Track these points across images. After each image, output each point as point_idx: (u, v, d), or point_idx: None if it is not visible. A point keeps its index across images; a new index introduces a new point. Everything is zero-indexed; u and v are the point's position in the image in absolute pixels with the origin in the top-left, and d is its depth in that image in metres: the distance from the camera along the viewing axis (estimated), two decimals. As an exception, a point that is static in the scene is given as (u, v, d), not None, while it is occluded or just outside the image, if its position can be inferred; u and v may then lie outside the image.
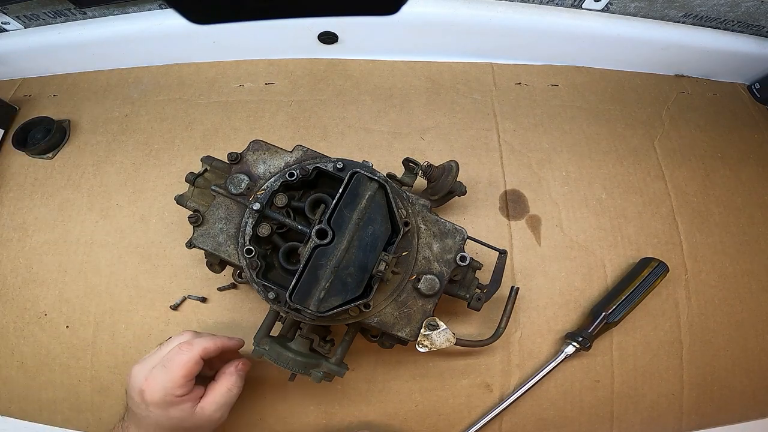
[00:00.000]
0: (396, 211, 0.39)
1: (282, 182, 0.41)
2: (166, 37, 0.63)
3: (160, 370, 0.39)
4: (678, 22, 0.63)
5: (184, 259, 0.55)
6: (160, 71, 0.67)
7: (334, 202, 0.38)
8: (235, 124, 0.62)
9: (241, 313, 0.53)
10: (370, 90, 0.65)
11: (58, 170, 0.61)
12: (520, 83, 0.67)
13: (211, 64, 0.68)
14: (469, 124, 0.63)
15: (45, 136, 0.61)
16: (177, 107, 0.64)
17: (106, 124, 0.64)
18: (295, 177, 0.41)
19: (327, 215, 0.38)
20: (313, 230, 0.38)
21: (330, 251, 0.37)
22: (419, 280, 0.41)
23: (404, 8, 0.16)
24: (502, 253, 0.47)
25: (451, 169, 0.48)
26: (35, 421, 0.50)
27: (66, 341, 0.52)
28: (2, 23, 0.62)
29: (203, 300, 0.53)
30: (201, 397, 0.41)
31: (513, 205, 0.58)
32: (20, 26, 0.63)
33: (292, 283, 0.37)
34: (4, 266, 0.56)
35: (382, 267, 0.38)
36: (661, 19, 0.63)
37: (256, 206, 0.40)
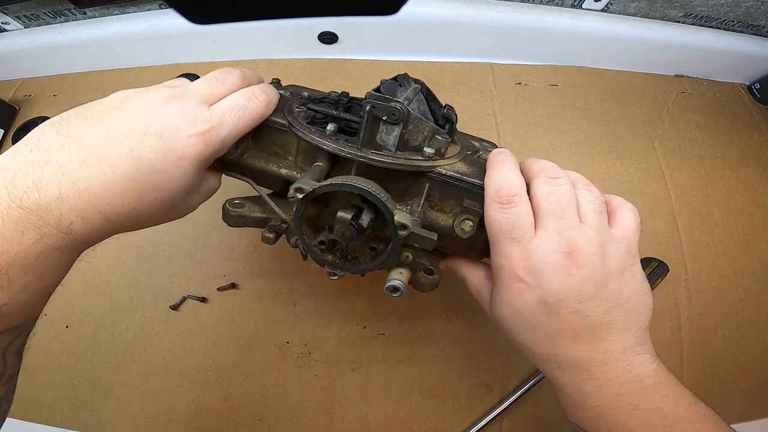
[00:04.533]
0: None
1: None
2: (166, 37, 0.63)
3: (234, 116, 0.29)
4: (678, 22, 0.63)
5: (184, 259, 0.55)
6: (160, 71, 0.67)
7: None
8: (235, 124, 0.62)
9: (241, 313, 0.53)
10: (371, 90, 0.65)
11: (58, 170, 0.61)
12: (520, 83, 0.67)
13: (211, 64, 0.68)
14: (469, 124, 0.63)
15: (45, 136, 0.61)
16: (177, 107, 0.64)
17: (106, 124, 0.64)
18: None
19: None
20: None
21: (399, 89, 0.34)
22: (477, 152, 0.38)
23: (404, 8, 0.16)
24: None
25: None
26: (35, 421, 0.50)
27: (66, 341, 0.52)
28: (2, 23, 0.62)
29: (203, 300, 0.53)
30: None
31: (513, 205, 0.58)
32: (20, 26, 0.63)
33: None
34: (3, 266, 0.56)
35: (447, 112, 0.37)
36: (661, 19, 0.63)
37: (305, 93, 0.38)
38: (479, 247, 0.33)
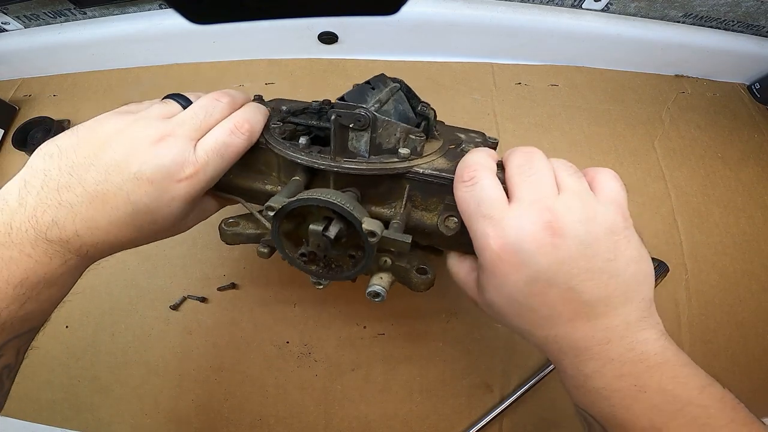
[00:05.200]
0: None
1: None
2: (166, 37, 0.63)
3: (217, 156, 0.30)
4: (678, 22, 0.63)
5: (183, 259, 0.55)
6: (160, 71, 0.67)
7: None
8: (235, 124, 0.62)
9: (241, 313, 0.53)
10: (370, 90, 0.65)
11: (58, 170, 0.61)
12: (520, 83, 0.67)
13: (211, 64, 0.68)
14: (469, 124, 0.62)
15: (45, 136, 0.60)
16: (177, 107, 0.64)
17: (106, 124, 0.64)
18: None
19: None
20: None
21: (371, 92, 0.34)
22: (461, 145, 0.38)
23: (404, 8, 0.16)
24: None
25: None
26: (35, 421, 0.50)
27: (65, 341, 0.52)
28: (2, 23, 0.62)
29: (203, 300, 0.53)
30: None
31: (513, 205, 0.58)
32: (20, 26, 0.63)
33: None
34: (3, 266, 0.56)
35: (421, 109, 0.37)
36: (661, 19, 0.63)
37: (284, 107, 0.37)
38: (468, 241, 0.32)
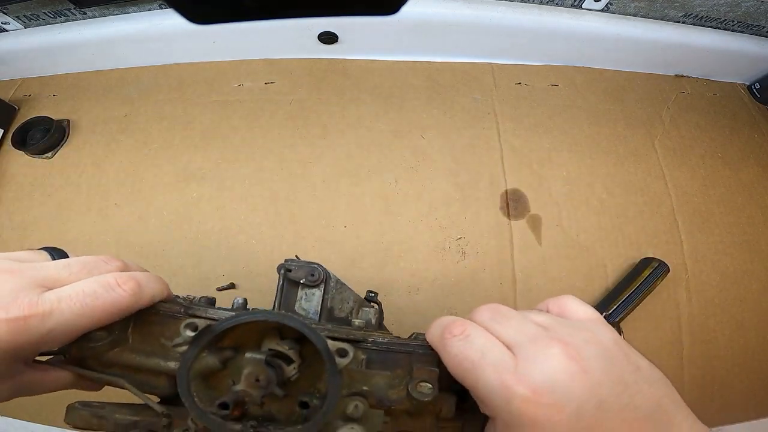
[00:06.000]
0: None
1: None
2: (166, 37, 0.63)
3: (75, 305, 0.23)
4: (678, 22, 0.63)
5: (184, 259, 0.55)
6: (160, 71, 0.67)
7: None
8: (234, 123, 0.62)
9: (241, 313, 0.53)
10: (370, 89, 0.65)
11: (57, 170, 0.61)
12: (520, 83, 0.67)
13: (211, 64, 0.68)
14: (469, 124, 0.63)
15: (44, 136, 0.60)
16: (176, 107, 0.64)
17: (105, 124, 0.64)
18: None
19: None
20: None
21: None
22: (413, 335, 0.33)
23: (404, 8, 0.16)
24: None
25: None
26: (35, 421, 0.50)
27: (66, 341, 0.52)
28: (2, 23, 0.62)
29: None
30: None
31: (514, 204, 0.58)
32: (20, 26, 0.63)
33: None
34: (3, 266, 0.56)
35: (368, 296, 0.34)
36: (661, 19, 0.63)
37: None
38: (449, 415, 0.27)
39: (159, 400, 0.27)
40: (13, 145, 0.61)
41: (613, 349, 0.24)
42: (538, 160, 0.61)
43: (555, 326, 0.25)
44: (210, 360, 0.23)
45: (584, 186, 0.59)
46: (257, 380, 0.22)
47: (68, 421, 0.27)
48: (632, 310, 0.51)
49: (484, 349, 0.24)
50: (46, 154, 0.61)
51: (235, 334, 0.23)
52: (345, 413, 0.23)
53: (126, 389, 0.26)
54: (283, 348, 0.23)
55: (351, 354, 0.21)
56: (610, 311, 0.50)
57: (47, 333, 0.23)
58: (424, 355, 0.27)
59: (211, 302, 0.30)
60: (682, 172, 0.61)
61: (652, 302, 0.54)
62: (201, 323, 0.22)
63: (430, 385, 0.25)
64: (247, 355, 0.22)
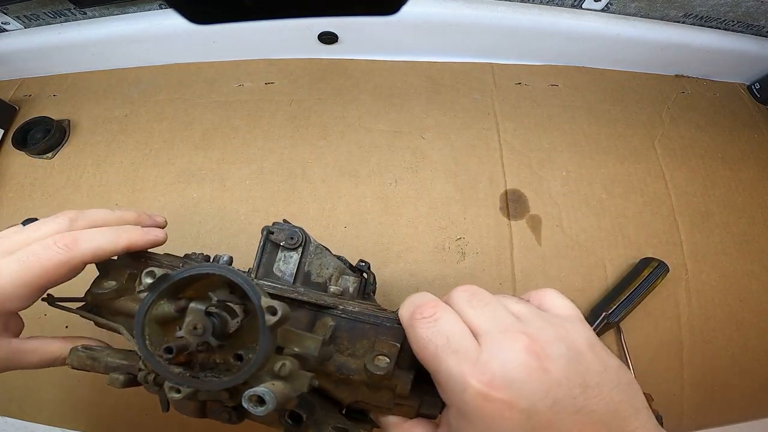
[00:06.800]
0: None
1: None
2: (166, 37, 0.63)
3: (15, 265, 0.28)
4: (678, 22, 0.63)
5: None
6: (160, 71, 0.67)
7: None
8: (234, 123, 0.62)
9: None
10: (370, 89, 0.65)
11: (58, 170, 0.61)
12: (520, 83, 0.67)
13: (211, 64, 0.68)
14: (469, 124, 0.63)
15: (45, 136, 0.61)
16: (177, 107, 0.64)
17: (105, 124, 0.64)
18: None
19: None
20: None
21: None
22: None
23: (404, 8, 0.16)
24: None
25: None
26: (35, 421, 0.50)
27: (66, 341, 0.52)
28: (2, 23, 0.62)
29: None
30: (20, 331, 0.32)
31: (513, 204, 0.58)
32: (20, 26, 0.63)
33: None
34: (3, 266, 0.56)
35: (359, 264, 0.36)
36: (661, 19, 0.63)
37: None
38: (404, 392, 0.27)
39: None
40: (14, 146, 0.61)
41: (582, 348, 0.24)
42: (538, 160, 0.61)
43: (529, 318, 0.25)
44: (167, 308, 0.24)
45: (584, 186, 0.59)
46: (194, 328, 0.22)
47: (68, 362, 0.31)
48: (632, 310, 0.51)
49: (450, 334, 0.24)
50: (47, 155, 0.61)
51: (195, 286, 0.24)
52: (273, 371, 0.23)
53: (125, 336, 0.29)
54: (225, 301, 0.24)
55: (280, 313, 0.21)
56: (609, 311, 0.50)
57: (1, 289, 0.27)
58: (391, 329, 0.27)
59: (228, 261, 0.33)
60: (682, 172, 0.62)
61: (652, 302, 0.54)
62: (159, 272, 0.23)
63: (387, 359, 0.26)
64: (191, 305, 0.23)
